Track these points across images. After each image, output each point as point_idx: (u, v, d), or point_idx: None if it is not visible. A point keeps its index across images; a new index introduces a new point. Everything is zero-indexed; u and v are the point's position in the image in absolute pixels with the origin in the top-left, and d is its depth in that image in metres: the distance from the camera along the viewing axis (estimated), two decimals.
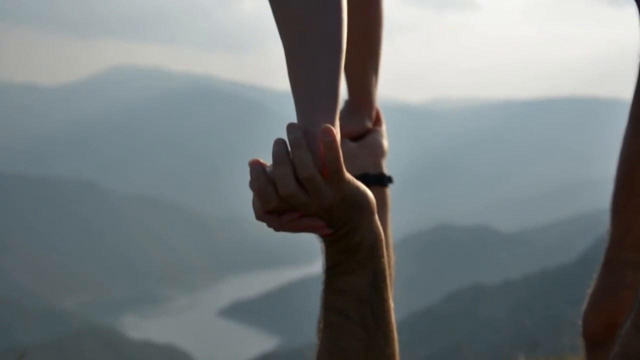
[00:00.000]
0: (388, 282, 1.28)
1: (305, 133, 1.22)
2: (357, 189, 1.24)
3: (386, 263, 1.29)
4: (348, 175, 1.24)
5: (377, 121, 1.85)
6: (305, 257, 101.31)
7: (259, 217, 1.23)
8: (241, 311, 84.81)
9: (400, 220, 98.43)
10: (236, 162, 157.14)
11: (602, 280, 1.49)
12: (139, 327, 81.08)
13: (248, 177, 1.20)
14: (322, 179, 1.20)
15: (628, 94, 1.49)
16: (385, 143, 1.84)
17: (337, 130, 1.25)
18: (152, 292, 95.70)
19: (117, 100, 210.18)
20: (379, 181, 1.78)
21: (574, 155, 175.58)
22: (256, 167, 1.21)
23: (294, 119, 1.31)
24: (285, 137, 1.20)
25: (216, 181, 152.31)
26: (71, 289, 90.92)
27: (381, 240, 1.27)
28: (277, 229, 1.25)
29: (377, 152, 1.81)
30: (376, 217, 1.28)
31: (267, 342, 74.67)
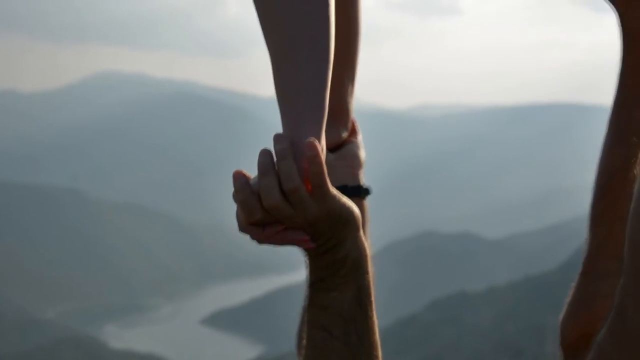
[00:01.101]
0: (373, 298, 1.26)
1: (292, 144, 1.20)
2: (342, 204, 1.23)
3: (371, 279, 1.28)
4: (333, 190, 1.22)
5: (353, 132, 1.80)
6: (288, 265, 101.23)
7: (242, 228, 1.22)
8: (224, 319, 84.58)
9: (385, 227, 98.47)
10: (220, 169, 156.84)
11: (579, 290, 1.49)
12: (121, 337, 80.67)
13: (231, 183, 1.19)
14: (307, 192, 1.19)
15: (610, 100, 1.49)
16: (362, 154, 1.79)
17: (322, 143, 1.24)
18: (134, 301, 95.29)
19: (101, 106, 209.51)
20: (357, 193, 1.73)
21: (558, 162, 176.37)
22: (240, 178, 1.19)
23: (278, 125, 1.30)
24: (270, 144, 1.19)
25: (200, 188, 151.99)
26: (53, 297, 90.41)
27: (366, 256, 1.26)
28: (260, 241, 1.24)
29: (354, 163, 1.77)
30: (361, 232, 1.26)
31: (251, 350, 74.49)
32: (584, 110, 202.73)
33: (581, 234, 1.52)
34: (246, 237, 1.23)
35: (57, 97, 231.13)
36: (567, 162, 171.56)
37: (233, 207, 1.21)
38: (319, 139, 1.23)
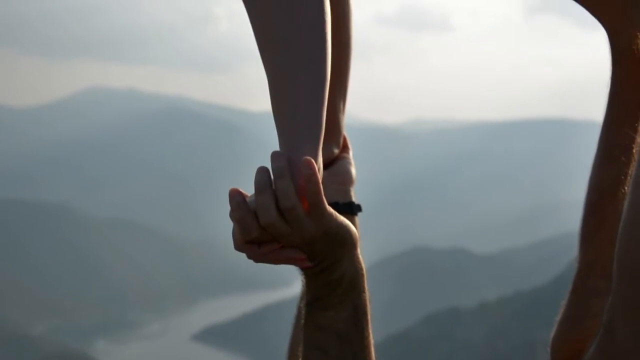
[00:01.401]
0: (369, 317, 1.26)
1: (289, 162, 1.20)
2: (339, 223, 1.23)
3: (367, 298, 1.27)
4: (330, 209, 1.22)
5: (345, 148, 1.80)
6: (279, 280, 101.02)
7: (238, 247, 1.22)
8: (215, 335, 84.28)
9: (377, 242, 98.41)
10: (211, 184, 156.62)
11: (569, 308, 1.50)
12: (112, 352, 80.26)
13: (223, 199, 1.18)
14: (304, 211, 1.19)
15: (599, 116, 1.50)
16: (353, 171, 1.79)
17: (319, 162, 1.24)
18: (125, 317, 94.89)
19: (91, 121, 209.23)
20: (349, 210, 1.73)
21: (548, 178, 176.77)
22: (236, 196, 1.19)
23: (268, 139, 1.28)
24: (259, 158, 1.21)
25: (191, 203, 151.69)
26: (42, 313, 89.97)
27: (362, 276, 1.26)
28: (256, 259, 1.24)
29: (346, 180, 1.76)
30: (358, 251, 1.26)
31: None
32: (573, 125, 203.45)
33: (571, 250, 1.52)
34: (237, 253, 1.23)
35: (47, 112, 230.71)
36: (557, 178, 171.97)
37: (223, 222, 1.20)
38: (316, 158, 1.23)
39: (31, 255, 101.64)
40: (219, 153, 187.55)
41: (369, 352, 1.25)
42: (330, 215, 1.22)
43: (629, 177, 1.17)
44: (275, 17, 1.25)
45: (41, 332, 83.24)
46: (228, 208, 1.18)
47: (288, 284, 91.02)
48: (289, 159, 1.20)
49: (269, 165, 1.21)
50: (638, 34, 1.36)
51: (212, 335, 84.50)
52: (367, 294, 1.28)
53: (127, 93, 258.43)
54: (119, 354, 79.12)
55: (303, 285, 1.26)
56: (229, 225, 1.21)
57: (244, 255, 1.26)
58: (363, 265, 1.27)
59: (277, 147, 1.34)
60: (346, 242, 1.23)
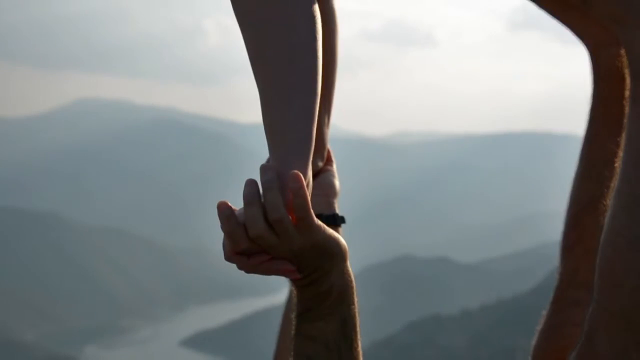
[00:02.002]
0: (358, 329, 1.26)
1: (279, 175, 1.20)
2: (328, 235, 1.23)
3: (357, 310, 1.28)
4: (318, 222, 1.22)
5: (329, 160, 1.80)
6: (266, 288, 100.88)
7: (228, 258, 1.22)
8: (204, 341, 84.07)
9: (361, 252, 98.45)
10: (200, 194, 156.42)
11: (550, 317, 1.50)
12: (101, 358, 79.90)
13: (211, 208, 1.17)
14: (292, 223, 1.19)
15: (581, 130, 1.50)
16: (337, 183, 1.79)
17: (309, 176, 1.25)
18: (114, 323, 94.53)
19: (82, 132, 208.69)
20: (333, 221, 1.72)
21: (530, 189, 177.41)
22: (225, 210, 1.19)
23: (256, 150, 1.28)
24: (247, 169, 1.20)
25: (180, 212, 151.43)
26: (32, 319, 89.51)
27: (352, 288, 1.26)
28: (247, 270, 1.24)
29: (330, 192, 1.76)
30: (348, 264, 1.27)
31: None
32: (555, 138, 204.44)
33: (552, 259, 1.52)
34: (225, 261, 1.23)
35: (39, 122, 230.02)
36: (539, 189, 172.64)
37: (212, 230, 1.27)
38: (305, 172, 1.24)
39: (22, 263, 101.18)
40: (207, 163, 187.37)
41: None
42: (319, 227, 1.22)
43: (610, 191, 1.17)
44: (270, 35, 1.26)
45: (32, 338, 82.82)
46: (216, 217, 1.18)
47: (275, 291, 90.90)
48: (278, 172, 1.21)
49: (257, 177, 1.21)
50: (620, 51, 1.34)
51: (200, 341, 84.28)
52: (357, 306, 1.28)
53: (118, 104, 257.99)
54: (109, 359, 78.75)
55: (294, 296, 1.27)
56: (218, 233, 1.21)
57: (233, 264, 1.27)
58: (352, 277, 1.27)
59: (265, 158, 1.35)
60: (335, 254, 1.24)
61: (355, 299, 1.28)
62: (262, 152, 1.32)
